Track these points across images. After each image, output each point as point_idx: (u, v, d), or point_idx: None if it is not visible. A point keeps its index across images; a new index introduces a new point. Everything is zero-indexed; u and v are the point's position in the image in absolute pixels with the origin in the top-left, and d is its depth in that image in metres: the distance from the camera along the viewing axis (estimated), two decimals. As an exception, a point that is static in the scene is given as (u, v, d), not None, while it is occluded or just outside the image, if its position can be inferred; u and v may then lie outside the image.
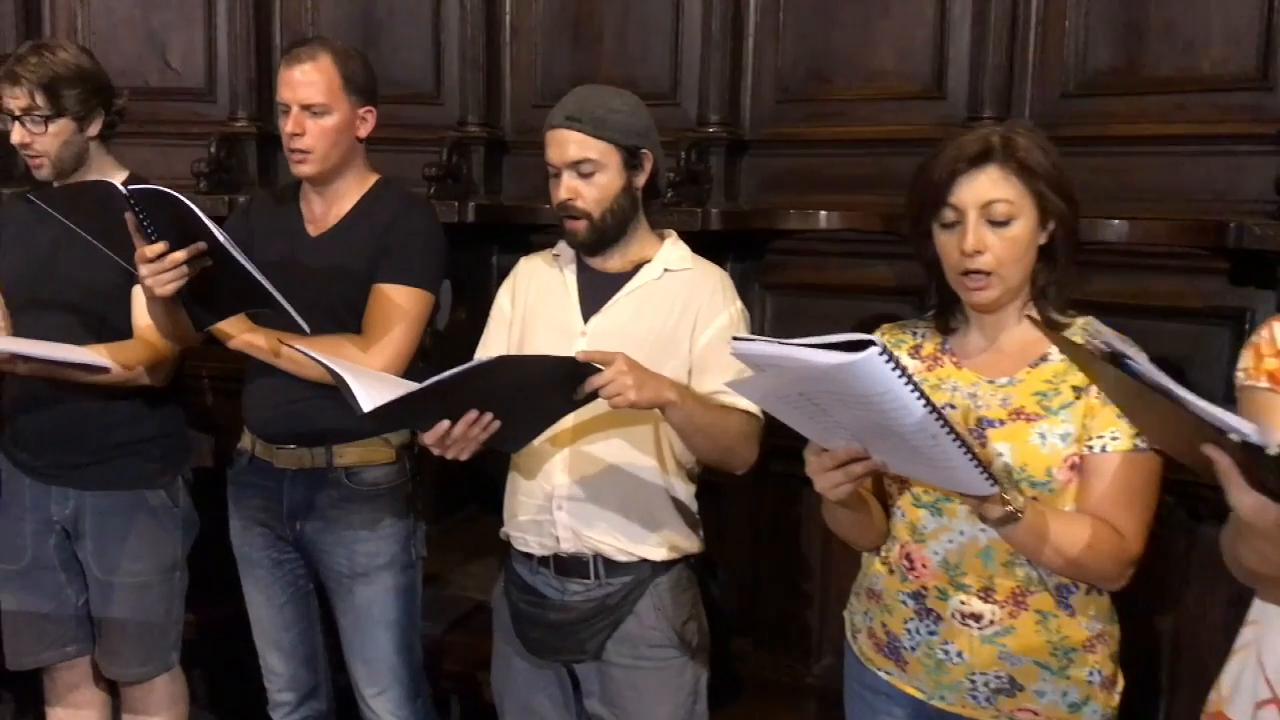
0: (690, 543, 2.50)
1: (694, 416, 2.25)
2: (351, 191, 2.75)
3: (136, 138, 4.50)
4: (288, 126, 2.65)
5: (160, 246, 2.35)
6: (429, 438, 2.16)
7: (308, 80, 2.63)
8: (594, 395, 2.13)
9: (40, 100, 2.80)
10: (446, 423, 2.14)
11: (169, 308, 2.52)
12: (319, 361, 2.16)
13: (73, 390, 2.81)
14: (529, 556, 2.50)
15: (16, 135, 2.83)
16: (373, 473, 2.76)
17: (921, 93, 3.57)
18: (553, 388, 2.14)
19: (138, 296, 2.85)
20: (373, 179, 2.79)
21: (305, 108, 2.63)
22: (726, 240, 3.67)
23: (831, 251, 3.70)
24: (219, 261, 2.35)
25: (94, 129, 2.90)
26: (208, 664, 3.77)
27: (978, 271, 1.97)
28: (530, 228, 3.88)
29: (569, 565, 2.45)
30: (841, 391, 1.60)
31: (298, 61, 2.65)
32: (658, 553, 2.44)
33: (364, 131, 2.72)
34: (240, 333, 2.63)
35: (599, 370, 2.11)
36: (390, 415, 2.14)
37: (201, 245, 2.35)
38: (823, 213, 3.52)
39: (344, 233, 2.71)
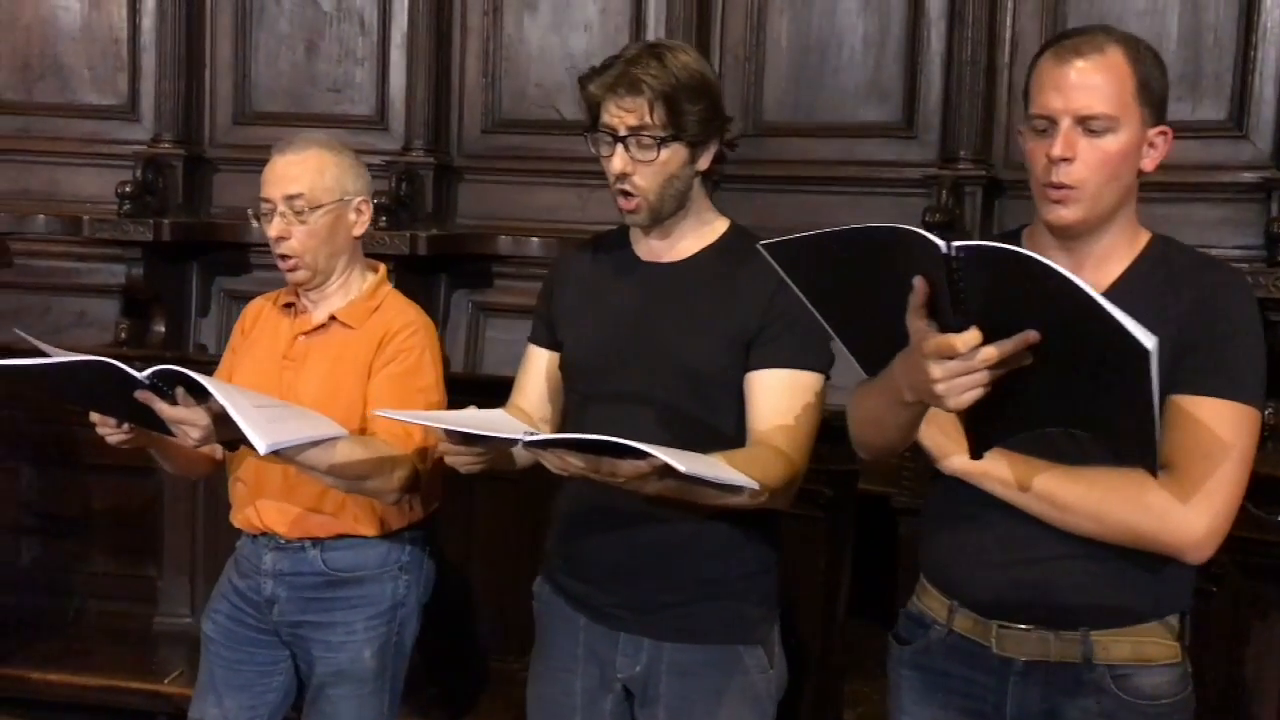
0: None
1: None
2: (1120, 250, 1.63)
3: (545, 175, 3.57)
4: (1055, 149, 1.56)
5: (974, 336, 1.29)
6: None
7: (1087, 83, 1.54)
8: None
9: (658, 116, 1.76)
10: None
11: (915, 415, 1.46)
12: None
13: (660, 508, 1.77)
14: None
15: (619, 162, 1.80)
16: (1152, 678, 1.59)
17: None
18: None
19: (761, 387, 1.80)
20: (1146, 235, 1.68)
21: (1080, 122, 1.54)
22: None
23: None
24: (1055, 357, 1.29)
25: (704, 161, 1.87)
26: None
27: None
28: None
29: None
30: None
31: (1076, 55, 1.56)
32: None
33: (1150, 162, 1.62)
34: (961, 451, 1.56)
35: None
36: None
37: (1032, 336, 1.29)
38: None
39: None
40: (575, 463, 1.56)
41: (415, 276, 3.39)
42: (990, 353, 1.29)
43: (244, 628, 2.18)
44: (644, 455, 1.51)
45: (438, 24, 3.51)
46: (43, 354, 1.82)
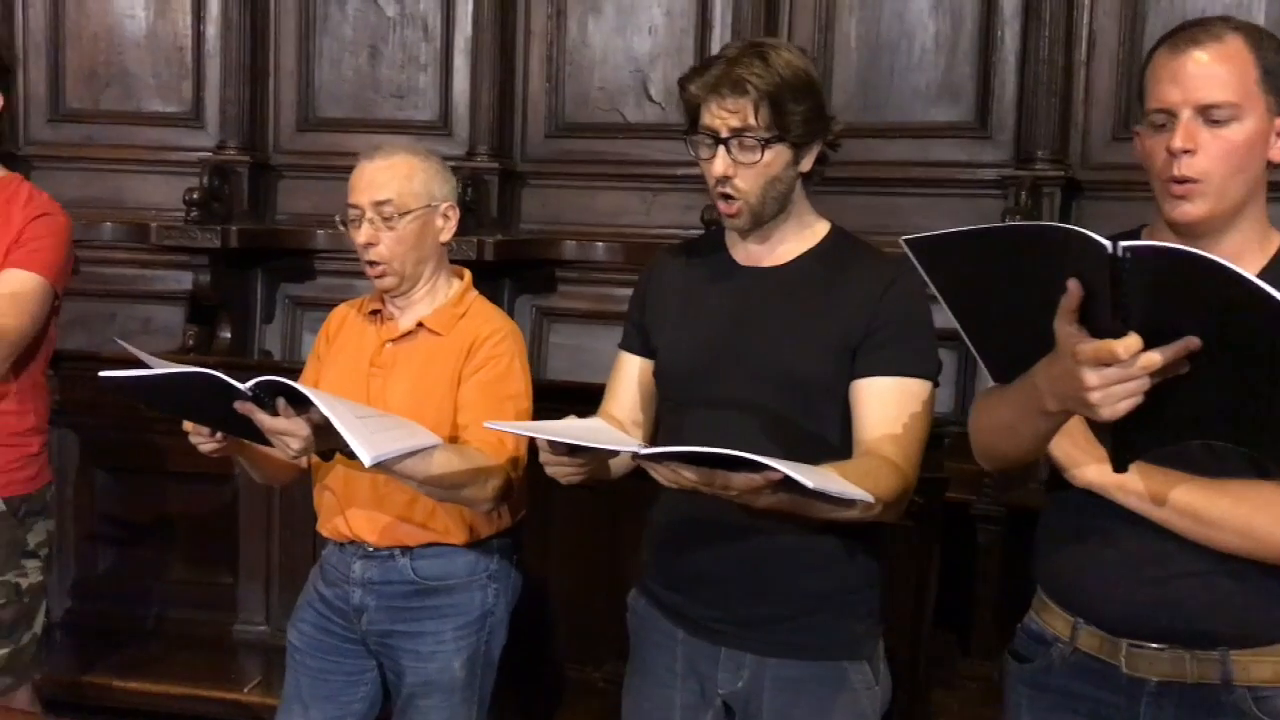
0: None
1: None
2: (1250, 251, 1.53)
3: (609, 179, 3.53)
4: (1175, 141, 1.48)
5: (1135, 342, 1.23)
6: None
7: (1206, 72, 1.46)
8: None
9: (762, 117, 1.71)
10: None
11: (1055, 425, 1.41)
12: None
13: (763, 520, 1.71)
14: None
15: (721, 165, 1.75)
16: (1299, 698, 1.52)
17: None
18: None
19: (869, 395, 1.74)
20: (1278, 235, 1.60)
21: (1201, 113, 1.47)
22: None
23: None
24: (1216, 364, 1.23)
25: (807, 163, 1.81)
26: None
27: None
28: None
29: None
30: None
31: (1194, 45, 1.49)
32: None
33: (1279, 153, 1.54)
34: (1092, 462, 1.50)
35: None
36: None
37: (1193, 342, 1.22)
38: None
39: None
40: (688, 476, 1.50)
41: (479, 282, 3.35)
42: (1152, 359, 1.22)
43: (331, 637, 2.14)
44: (760, 467, 1.45)
45: (501, 28, 3.48)
46: (143, 363, 1.79)
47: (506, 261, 3.42)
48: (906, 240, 1.33)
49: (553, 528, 2.75)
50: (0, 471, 2.27)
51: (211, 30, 3.60)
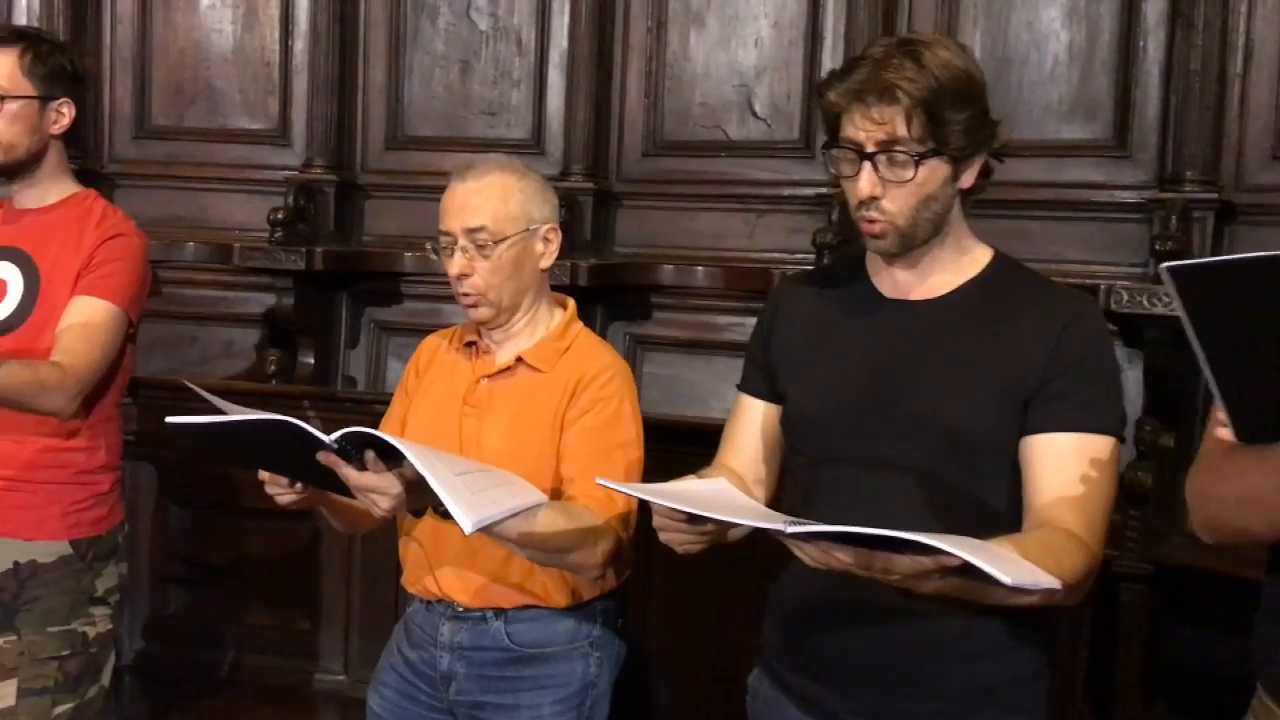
0: None
1: None
2: None
3: (710, 200, 3.28)
4: None
5: None
6: None
7: None
8: None
9: (916, 128, 1.44)
10: None
11: None
12: None
13: (917, 601, 1.44)
14: None
15: (867, 184, 1.48)
16: None
17: None
18: None
19: (1046, 455, 1.46)
20: None
21: None
22: None
23: None
24: None
25: (968, 178, 1.55)
26: None
27: None
28: None
29: None
30: None
31: None
32: None
33: None
34: None
35: None
36: None
37: None
38: None
39: None
40: (842, 558, 1.25)
41: (573, 309, 3.13)
42: None
43: (415, 705, 1.92)
44: (931, 550, 1.19)
45: (598, 41, 3.25)
46: (217, 409, 1.58)
47: (600, 286, 3.19)
48: (1168, 267, 1.06)
49: (653, 586, 2.49)
50: (67, 512, 2.09)
51: (300, 45, 3.43)
